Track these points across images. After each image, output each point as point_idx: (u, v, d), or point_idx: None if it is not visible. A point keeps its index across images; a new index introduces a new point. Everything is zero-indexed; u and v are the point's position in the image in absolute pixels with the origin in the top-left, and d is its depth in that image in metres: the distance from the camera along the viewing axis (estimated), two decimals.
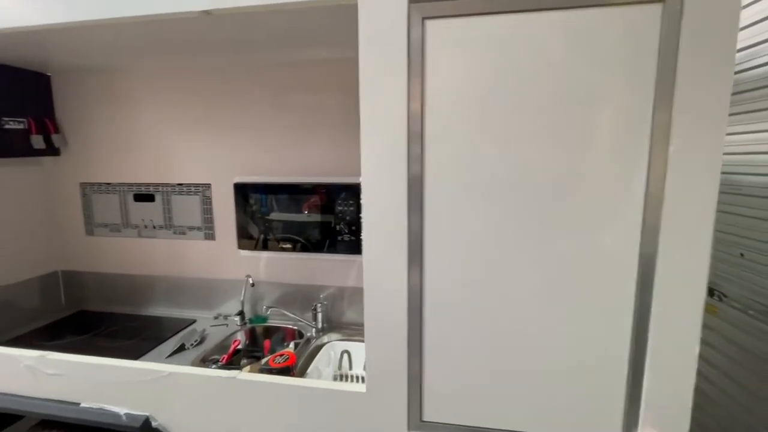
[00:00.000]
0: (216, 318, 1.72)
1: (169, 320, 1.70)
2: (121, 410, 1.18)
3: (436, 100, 0.85)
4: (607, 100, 0.77)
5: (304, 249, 1.60)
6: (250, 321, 1.67)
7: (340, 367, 1.53)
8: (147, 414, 1.17)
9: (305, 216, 1.57)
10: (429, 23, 0.84)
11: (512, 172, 0.82)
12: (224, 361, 1.42)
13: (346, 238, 1.55)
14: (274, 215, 1.60)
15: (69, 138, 1.77)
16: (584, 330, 0.84)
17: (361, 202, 0.93)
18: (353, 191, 1.52)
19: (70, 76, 1.72)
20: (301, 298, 1.65)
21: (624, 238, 0.79)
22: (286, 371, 1.22)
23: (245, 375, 1.10)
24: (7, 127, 1.55)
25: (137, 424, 1.15)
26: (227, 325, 1.66)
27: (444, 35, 0.83)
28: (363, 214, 0.93)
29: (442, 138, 0.85)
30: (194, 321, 1.69)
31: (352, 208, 1.53)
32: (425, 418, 0.99)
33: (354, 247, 1.55)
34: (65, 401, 1.21)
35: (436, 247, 0.89)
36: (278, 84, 1.56)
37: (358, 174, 1.54)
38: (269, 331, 1.65)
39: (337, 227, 1.55)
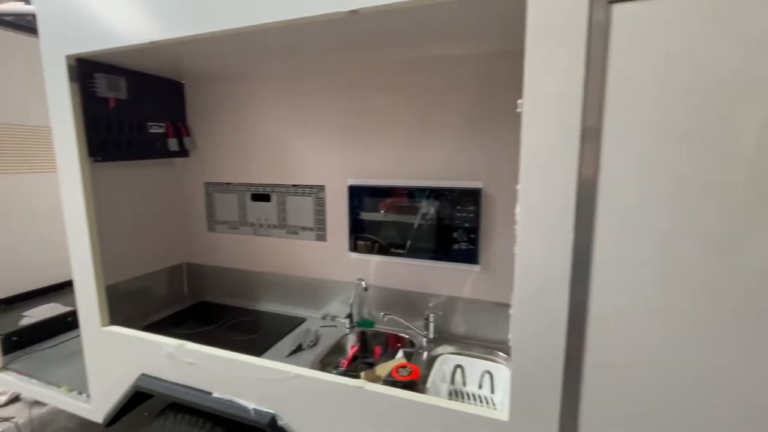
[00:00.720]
0: (324, 318, 1.74)
1: (281, 317, 1.75)
2: (250, 405, 1.21)
3: (619, 94, 0.72)
4: None
5: (417, 255, 1.54)
6: (358, 324, 1.66)
7: (452, 382, 1.45)
8: (273, 412, 1.19)
9: (420, 220, 1.51)
10: (616, 8, 0.72)
11: (711, 176, 0.67)
12: (344, 366, 1.41)
13: (464, 246, 1.46)
14: (388, 218, 1.57)
15: (197, 141, 1.91)
16: None
17: (518, 208, 0.84)
18: (473, 197, 1.43)
19: (200, 84, 1.86)
20: (409, 305, 1.60)
21: None
22: (411, 385, 1.17)
23: (373, 386, 1.06)
24: (150, 131, 1.71)
25: (265, 421, 1.17)
26: (336, 326, 1.67)
27: (635, 21, 0.71)
28: (519, 221, 0.83)
29: (625, 137, 0.72)
30: (304, 320, 1.73)
31: (471, 215, 1.43)
32: None
33: (471, 255, 1.46)
34: (199, 389, 1.28)
35: (609, 263, 0.77)
36: (397, 83, 1.51)
37: (480, 178, 1.46)
38: (377, 336, 1.62)
39: (454, 234, 1.46)
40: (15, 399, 2.47)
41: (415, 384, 1.18)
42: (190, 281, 2.04)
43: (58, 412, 2.35)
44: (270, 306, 1.86)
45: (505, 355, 1.42)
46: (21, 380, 1.69)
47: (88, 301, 1.42)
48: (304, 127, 1.69)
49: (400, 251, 1.56)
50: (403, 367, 1.22)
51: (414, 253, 1.55)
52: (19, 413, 2.32)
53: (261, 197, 1.81)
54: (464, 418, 0.95)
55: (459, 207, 1.45)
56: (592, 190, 0.77)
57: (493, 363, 1.42)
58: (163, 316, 1.80)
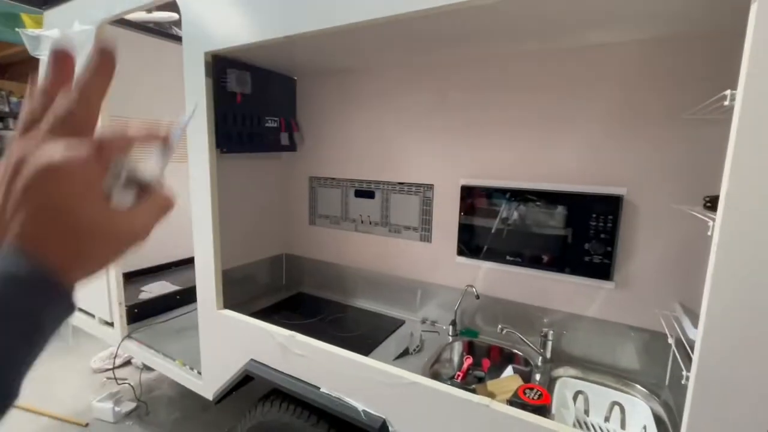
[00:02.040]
0: (423, 323, 1.67)
1: (381, 317, 1.72)
2: (360, 406, 1.18)
3: None
4: None
5: (535, 265, 1.41)
6: (461, 333, 1.57)
7: (574, 409, 1.30)
8: (384, 417, 1.14)
9: (543, 228, 1.38)
10: None
11: None
12: (459, 379, 1.33)
13: (596, 259, 1.30)
14: (504, 223, 1.46)
15: (305, 135, 1.95)
16: None
17: (715, 222, 0.68)
18: (613, 204, 1.26)
19: (310, 79, 1.89)
20: (521, 318, 1.47)
21: None
22: (541, 410, 1.05)
23: (499, 406, 0.96)
24: (267, 125, 1.77)
25: (376, 425, 1.13)
26: (438, 333, 1.59)
27: None
28: (716, 239, 0.68)
29: None
30: (404, 322, 1.68)
31: (609, 225, 1.27)
32: None
33: (604, 270, 1.29)
34: (307, 382, 1.28)
35: None
36: (521, 76, 1.39)
37: (622, 184, 1.29)
38: (484, 349, 1.51)
39: (586, 245, 1.31)
40: (127, 362, 2.76)
41: (545, 409, 1.06)
42: (289, 272, 2.10)
43: (162, 380, 2.57)
44: (366, 303, 1.84)
45: (642, 388, 1.24)
46: (142, 349, 1.85)
47: (207, 284, 1.50)
48: (413, 124, 1.63)
49: (516, 259, 1.44)
50: (530, 388, 1.10)
51: (532, 262, 1.41)
52: (131, 375, 2.58)
53: (365, 194, 1.79)
54: None
55: (594, 215, 1.29)
56: None
57: (625, 395, 1.25)
58: (266, 304, 1.87)
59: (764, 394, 0.66)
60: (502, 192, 1.45)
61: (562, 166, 1.36)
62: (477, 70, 1.47)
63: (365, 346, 1.44)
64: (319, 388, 1.26)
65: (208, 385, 1.58)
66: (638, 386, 1.25)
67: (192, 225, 1.51)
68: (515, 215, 1.43)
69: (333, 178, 1.88)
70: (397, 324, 1.64)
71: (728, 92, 0.71)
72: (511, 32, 1.20)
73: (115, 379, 2.28)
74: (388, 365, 1.15)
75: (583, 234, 1.31)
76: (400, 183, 1.70)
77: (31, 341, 0.26)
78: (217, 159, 1.45)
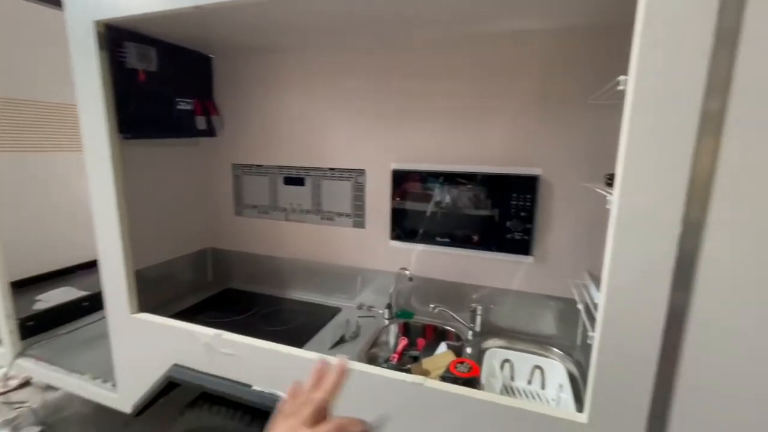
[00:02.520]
0: (360, 308, 1.67)
1: (316, 307, 1.68)
2: None
3: (752, 72, 0.64)
4: None
5: (464, 245, 1.47)
6: (397, 315, 1.59)
7: (500, 376, 1.39)
8: None
9: (470, 209, 1.43)
10: None
11: None
12: (395, 360, 1.34)
13: (517, 236, 1.38)
14: (434, 206, 1.48)
15: (224, 119, 1.80)
16: None
17: (613, 197, 0.76)
18: (530, 184, 1.35)
19: (229, 58, 1.74)
20: (453, 296, 1.53)
21: None
22: (471, 382, 1.10)
23: (433, 383, 0.99)
24: (179, 107, 1.60)
25: None
26: (374, 317, 1.60)
27: None
28: (614, 213, 0.75)
29: (758, 125, 0.64)
30: (340, 309, 1.66)
31: (527, 203, 1.36)
32: None
33: (525, 246, 1.38)
34: (238, 381, 1.21)
35: (718, 265, 0.69)
36: (449, 62, 1.41)
37: (538, 164, 1.37)
38: (419, 328, 1.55)
39: (507, 224, 1.39)
40: (26, 383, 2.41)
41: (475, 381, 1.12)
42: (215, 267, 1.95)
43: (71, 398, 2.29)
44: (302, 294, 1.78)
45: (558, 351, 1.36)
46: (40, 366, 1.62)
47: (116, 287, 1.34)
48: (344, 109, 1.59)
49: (446, 240, 1.49)
50: (461, 362, 1.15)
51: (461, 242, 1.47)
52: (32, 397, 2.26)
53: (294, 181, 1.72)
54: (537, 419, 0.88)
55: (514, 195, 1.37)
56: (707, 182, 0.69)
57: (545, 358, 1.36)
58: (190, 303, 1.73)
59: (654, 346, 0.75)
60: (431, 175, 1.47)
61: (485, 148, 1.41)
62: (405, 56, 1.46)
63: (300, 338, 1.40)
64: (250, 387, 1.20)
65: (125, 397, 1.43)
66: (555, 349, 1.37)
67: (94, 221, 1.33)
68: (445, 198, 1.47)
69: (259, 166, 1.77)
70: (333, 312, 1.62)
71: (621, 78, 0.78)
72: (430, 18, 1.20)
73: (11, 403, 1.97)
74: (322, 355, 1.12)
75: (505, 213, 1.38)
76: (331, 169, 1.65)
77: None
78: (120, 146, 1.29)
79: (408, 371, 1.24)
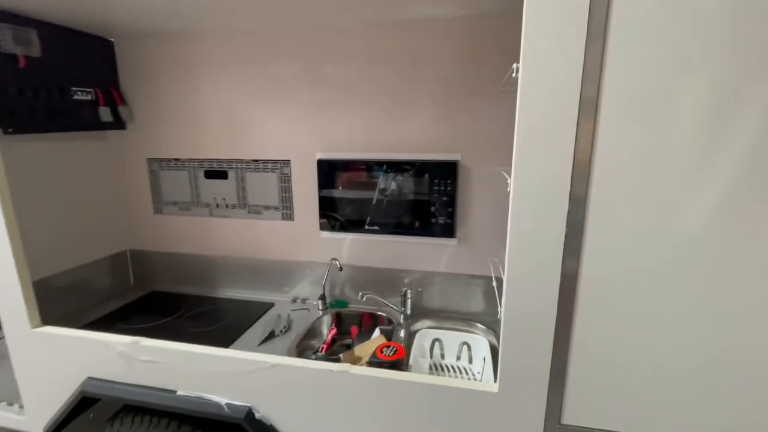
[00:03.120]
0: (294, 302, 1.64)
1: (247, 303, 1.63)
2: (222, 400, 1.12)
3: (619, 62, 0.70)
4: None
5: (393, 231, 1.49)
6: (331, 305, 1.59)
7: (431, 356, 1.45)
8: (249, 405, 1.10)
9: (396, 196, 1.45)
10: None
11: (709, 148, 0.68)
12: (323, 351, 1.34)
13: (441, 220, 1.43)
14: (361, 195, 1.49)
15: (135, 111, 1.66)
16: None
17: (512, 178, 0.80)
18: (451, 170, 1.39)
19: (135, 42, 1.59)
20: (385, 282, 1.56)
21: None
22: (396, 365, 1.13)
23: (358, 369, 1.01)
24: (75, 98, 1.44)
25: (240, 415, 1.09)
26: (308, 309, 1.58)
27: None
28: (512, 193, 0.80)
29: (625, 109, 0.71)
30: (272, 305, 1.62)
31: (449, 188, 1.40)
32: (564, 421, 0.90)
33: (448, 229, 1.43)
34: (161, 388, 1.16)
35: (603, 233, 0.77)
36: (370, 49, 1.40)
37: (458, 150, 1.42)
38: (353, 317, 1.57)
39: (431, 208, 1.42)
40: None
41: (400, 363, 1.15)
42: (137, 270, 1.82)
43: None
44: (233, 292, 1.72)
45: (482, 326, 1.44)
46: None
47: (11, 300, 1.21)
48: (267, 97, 1.53)
49: (375, 228, 1.50)
50: (387, 346, 1.18)
51: (389, 229, 1.49)
52: None
53: (216, 174, 1.63)
54: (454, 393, 0.94)
55: (436, 180, 1.41)
56: (588, 161, 0.75)
57: (471, 334, 1.44)
58: (108, 311, 1.60)
59: (551, 312, 0.82)
60: (357, 164, 1.47)
61: (409, 136, 1.43)
62: (331, 39, 1.42)
63: (227, 338, 1.35)
64: (175, 392, 1.14)
65: (34, 419, 1.31)
66: (479, 325, 1.45)
67: None
68: (370, 185, 1.47)
69: (177, 159, 1.66)
70: (265, 308, 1.58)
71: (515, 65, 0.81)
72: (346, 2, 1.17)
73: None
74: (247, 353, 1.10)
75: (429, 198, 1.42)
76: (254, 160, 1.59)
77: None
78: (2, 142, 1.14)
79: (338, 360, 1.25)
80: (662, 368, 0.80)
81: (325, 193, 1.52)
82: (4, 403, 1.36)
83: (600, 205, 0.75)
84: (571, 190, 0.76)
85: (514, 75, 0.81)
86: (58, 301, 1.54)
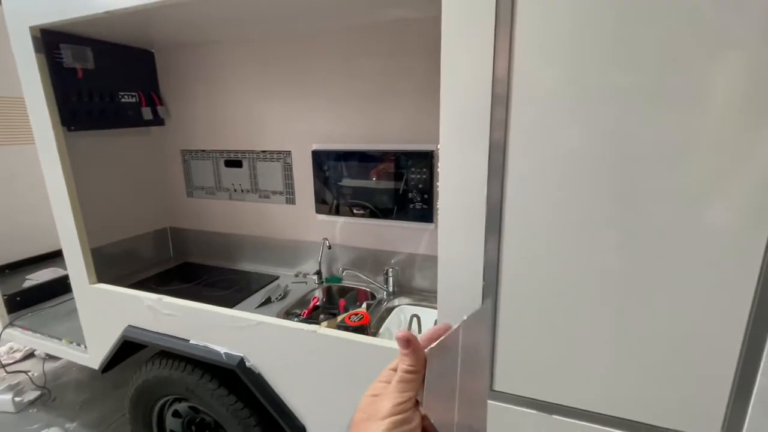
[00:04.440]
0: (296, 276, 1.87)
1: (256, 275, 1.89)
2: (222, 349, 1.36)
3: (525, 58, 0.77)
4: (737, 48, 0.63)
5: (377, 215, 1.64)
6: (326, 280, 1.79)
7: (409, 329, 1.59)
8: (242, 355, 1.33)
9: (378, 183, 1.60)
10: None
11: (607, 139, 0.74)
12: (305, 315, 1.55)
13: (418, 206, 1.55)
14: (348, 182, 1.65)
15: (171, 110, 1.97)
16: (684, 318, 0.75)
17: (439, 169, 0.91)
18: (426, 158, 1.50)
19: (171, 52, 1.89)
20: (372, 261, 1.72)
21: (745, 217, 0.68)
22: (361, 329, 1.30)
23: (324, 330, 1.19)
24: (122, 100, 1.77)
25: (234, 362, 1.32)
26: (306, 282, 1.80)
27: None
28: (440, 182, 0.91)
29: (530, 102, 0.78)
30: (277, 277, 1.86)
31: (425, 176, 1.51)
32: (495, 388, 1.00)
33: (426, 215, 1.55)
34: (177, 337, 1.43)
35: (517, 218, 0.85)
36: (352, 49, 1.55)
37: (434, 141, 1.52)
38: (344, 291, 1.75)
39: (410, 195, 1.55)
40: (30, 355, 2.70)
41: (365, 329, 1.31)
42: (175, 244, 2.17)
43: (70, 366, 2.57)
44: (248, 266, 1.99)
45: None
46: (25, 334, 1.87)
47: (76, 262, 1.55)
48: (271, 94, 1.74)
49: (362, 212, 1.66)
50: (356, 314, 1.35)
51: (375, 214, 1.64)
52: (34, 367, 2.55)
53: (233, 163, 1.89)
54: (397, 354, 1.07)
55: (414, 169, 1.52)
56: (502, 154, 0.83)
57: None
58: (149, 275, 1.95)
59: (477, 281, 0.92)
60: (346, 154, 1.63)
61: (393, 128, 1.56)
62: (320, 42, 1.59)
63: (233, 300, 1.61)
64: (188, 341, 1.41)
65: (94, 357, 1.67)
66: None
67: (52, 207, 1.53)
68: (357, 173, 1.63)
69: (203, 151, 1.95)
70: (270, 279, 1.83)
71: None
72: (324, 10, 1.33)
73: (13, 372, 2.25)
74: (241, 312, 1.33)
75: (409, 186, 1.54)
76: (263, 151, 1.82)
77: None
78: (67, 138, 1.47)
79: (317, 324, 1.44)
80: (575, 343, 0.87)
81: (320, 180, 1.71)
82: (74, 344, 1.75)
83: (512, 190, 0.83)
84: (489, 175, 0.85)
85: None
86: (113, 266, 1.91)
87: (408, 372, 0.40)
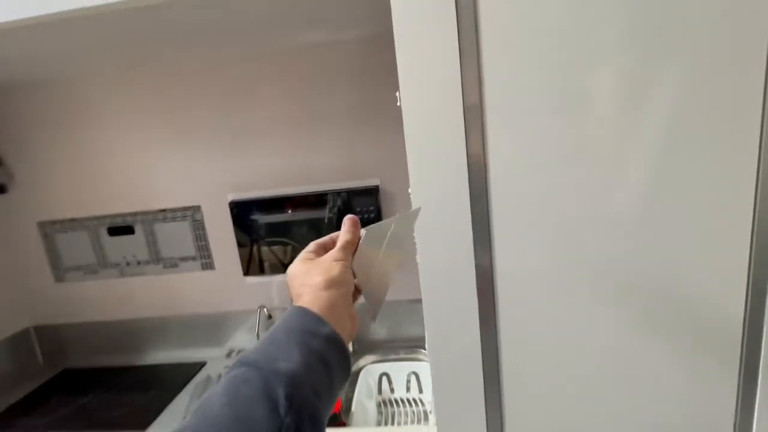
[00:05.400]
0: (229, 356, 1.51)
1: (174, 367, 1.47)
2: None
3: (495, 62, 0.66)
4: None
5: None
6: None
7: (380, 392, 1.37)
8: None
9: (318, 230, 1.37)
10: None
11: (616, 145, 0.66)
12: None
13: None
14: (282, 233, 1.39)
15: (16, 171, 1.47)
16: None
17: (410, 191, 0.75)
18: (372, 195, 1.33)
19: (12, 94, 1.41)
20: None
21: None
22: (334, 419, 1.04)
23: None
24: None
25: None
26: None
27: None
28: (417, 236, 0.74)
29: (505, 110, 0.67)
30: (204, 363, 1.48)
31: (372, 216, 1.33)
32: None
33: None
34: None
35: (508, 237, 0.72)
36: (268, 79, 1.32)
37: (376, 175, 1.36)
38: None
39: None
40: None
41: (337, 417, 1.06)
42: (45, 347, 1.61)
43: None
44: (157, 357, 1.55)
45: (426, 351, 1.38)
46: None
47: None
48: (165, 140, 1.39)
49: None
50: None
51: None
52: None
53: (122, 230, 1.47)
54: None
55: (359, 208, 1.34)
56: (483, 166, 0.70)
57: (418, 362, 1.38)
58: (16, 398, 1.39)
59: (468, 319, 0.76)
60: (272, 201, 1.37)
61: (324, 165, 1.36)
62: (224, 73, 1.32)
63: (146, 416, 1.19)
64: None
65: None
66: (424, 351, 1.39)
67: None
68: (291, 222, 1.38)
69: (73, 219, 1.48)
70: (195, 369, 1.44)
71: (397, 94, 0.76)
72: (216, 34, 1.08)
73: None
74: None
75: None
76: (161, 210, 1.44)
77: (333, 386, 0.38)
78: None
79: None
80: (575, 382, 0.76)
81: (242, 235, 1.41)
82: None
83: (499, 202, 0.71)
84: (471, 200, 0.71)
85: (398, 104, 0.77)
86: None
87: (349, 241, 0.49)
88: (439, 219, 0.73)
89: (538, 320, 0.75)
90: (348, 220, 0.52)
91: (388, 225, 0.54)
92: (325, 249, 0.50)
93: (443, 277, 0.76)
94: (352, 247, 0.50)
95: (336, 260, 0.46)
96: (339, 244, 0.49)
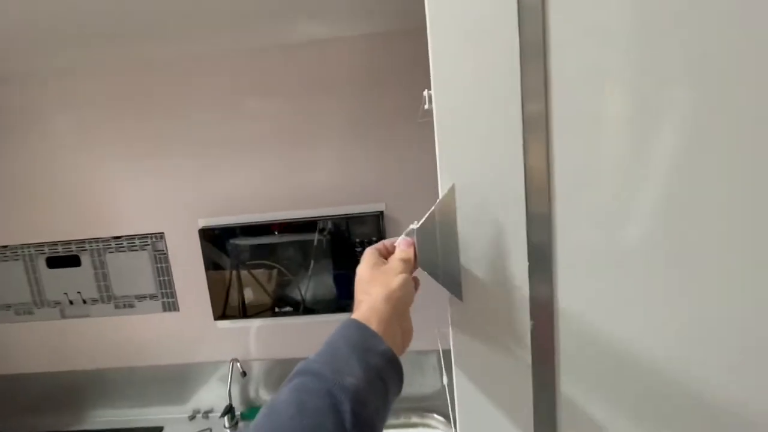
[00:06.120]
0: (192, 418, 1.22)
1: None
2: None
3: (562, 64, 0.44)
4: None
5: (312, 311, 1.15)
6: (243, 416, 1.20)
7: None
8: None
9: (309, 263, 1.12)
10: None
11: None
12: None
13: None
14: (264, 268, 1.13)
15: None
16: None
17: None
18: (374, 224, 1.09)
19: None
20: None
21: None
22: None
23: None
24: None
25: None
26: (210, 429, 1.17)
27: None
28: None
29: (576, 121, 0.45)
30: (161, 429, 1.19)
31: None
32: None
33: None
34: None
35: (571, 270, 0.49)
36: (252, 83, 1.09)
37: (380, 199, 1.13)
38: None
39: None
40: None
41: None
42: None
43: None
44: (108, 417, 1.25)
45: (441, 418, 1.12)
46: None
47: None
48: (121, 154, 1.14)
49: (287, 309, 1.15)
50: None
51: (310, 309, 1.15)
52: None
53: (64, 261, 1.20)
54: None
55: (358, 240, 1.10)
56: (544, 191, 0.47)
57: (429, 429, 1.12)
58: None
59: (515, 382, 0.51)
60: (252, 229, 1.12)
61: (315, 187, 1.12)
62: (200, 73, 1.09)
63: None
64: None
65: None
66: (437, 416, 1.13)
67: None
68: (275, 255, 1.13)
69: (4, 247, 1.21)
70: None
71: (426, 93, 0.54)
72: (190, 26, 0.86)
73: None
74: None
75: (352, 263, 1.10)
76: (115, 237, 1.18)
77: (387, 404, 0.37)
78: None
79: None
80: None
81: (216, 270, 1.15)
82: None
83: (566, 227, 0.48)
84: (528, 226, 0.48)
85: (426, 107, 0.55)
86: None
87: (407, 256, 0.48)
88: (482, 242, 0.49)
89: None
90: (404, 242, 0.50)
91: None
92: (388, 252, 0.49)
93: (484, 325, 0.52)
94: (410, 262, 0.47)
95: (398, 273, 0.44)
96: (399, 255, 0.48)
